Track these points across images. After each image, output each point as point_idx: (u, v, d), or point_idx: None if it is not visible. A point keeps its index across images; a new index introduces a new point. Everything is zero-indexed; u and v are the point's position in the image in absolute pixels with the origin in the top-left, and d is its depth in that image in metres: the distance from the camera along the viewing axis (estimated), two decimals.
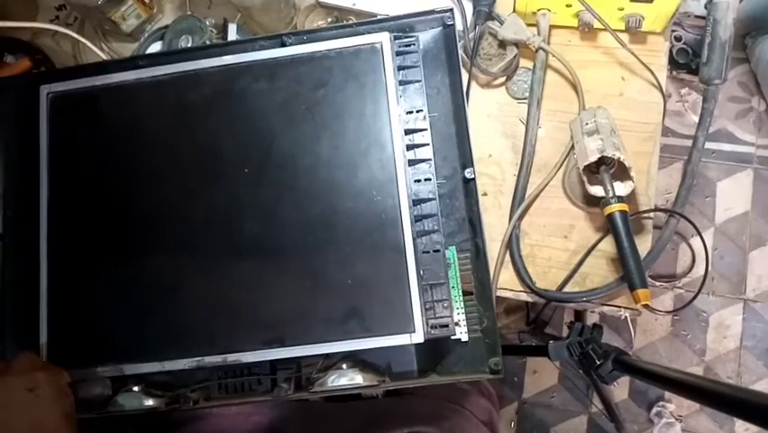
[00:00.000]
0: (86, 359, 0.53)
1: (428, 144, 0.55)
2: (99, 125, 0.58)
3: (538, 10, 0.65)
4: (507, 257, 0.64)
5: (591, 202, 0.62)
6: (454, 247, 0.56)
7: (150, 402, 0.52)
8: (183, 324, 0.53)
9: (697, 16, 1.17)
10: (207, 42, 0.68)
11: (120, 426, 0.62)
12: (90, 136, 0.58)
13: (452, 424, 0.67)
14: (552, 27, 0.66)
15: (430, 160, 0.55)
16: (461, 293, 0.54)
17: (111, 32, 0.74)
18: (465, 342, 0.54)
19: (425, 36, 0.60)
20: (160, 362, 0.52)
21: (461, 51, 0.64)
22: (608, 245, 0.63)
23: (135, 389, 0.53)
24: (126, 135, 0.58)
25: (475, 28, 0.66)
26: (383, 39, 0.55)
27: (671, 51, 1.09)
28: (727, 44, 0.60)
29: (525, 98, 0.67)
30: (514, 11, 0.66)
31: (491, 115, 0.68)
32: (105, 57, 0.71)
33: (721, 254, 1.35)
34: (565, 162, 0.65)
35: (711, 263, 1.34)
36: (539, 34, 0.65)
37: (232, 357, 0.51)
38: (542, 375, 1.35)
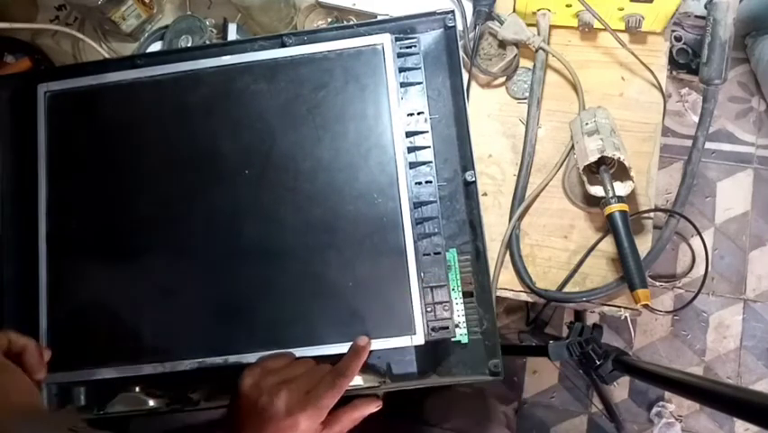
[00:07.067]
0: (87, 360, 0.53)
1: (429, 147, 0.55)
2: (98, 125, 0.58)
3: (538, 10, 0.65)
4: (507, 257, 0.64)
5: (591, 202, 0.62)
6: (455, 249, 0.56)
7: (151, 403, 0.53)
8: (184, 325, 0.53)
9: (697, 16, 1.17)
10: (207, 42, 0.68)
11: (121, 426, 0.62)
12: (89, 136, 0.58)
13: None
14: (552, 27, 0.66)
15: (431, 162, 0.55)
16: (461, 295, 0.54)
17: (111, 32, 0.74)
18: (465, 344, 0.54)
19: (426, 38, 0.59)
20: (161, 363, 0.52)
21: (461, 51, 0.63)
22: (608, 245, 0.63)
23: (136, 390, 0.53)
24: (125, 135, 0.58)
25: (475, 28, 0.66)
26: (384, 40, 0.55)
27: (671, 51, 1.09)
28: (727, 44, 0.60)
29: (525, 98, 0.67)
30: (514, 11, 0.66)
31: (491, 115, 0.68)
32: (104, 56, 0.71)
33: (721, 254, 1.35)
34: (565, 162, 0.65)
35: (711, 263, 1.34)
36: (539, 34, 0.65)
37: (233, 358, 0.51)
38: (542, 375, 1.35)
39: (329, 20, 0.70)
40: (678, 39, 1.24)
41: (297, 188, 0.54)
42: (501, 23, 0.65)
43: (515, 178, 0.65)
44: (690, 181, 0.63)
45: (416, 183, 0.54)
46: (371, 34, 0.56)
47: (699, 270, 1.32)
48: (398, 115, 0.54)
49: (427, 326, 0.51)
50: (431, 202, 0.54)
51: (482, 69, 0.66)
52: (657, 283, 1.34)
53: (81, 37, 0.69)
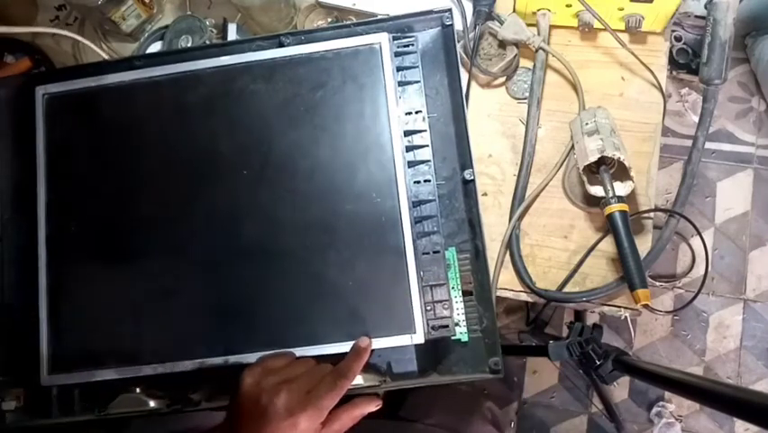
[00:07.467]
0: (88, 362, 0.53)
1: (427, 145, 0.55)
2: (96, 127, 0.58)
3: (538, 10, 0.65)
4: (507, 257, 0.64)
5: (591, 202, 0.62)
6: (454, 248, 0.56)
7: (152, 404, 0.52)
8: (184, 325, 0.53)
9: (697, 16, 1.17)
10: (207, 42, 0.68)
11: (121, 427, 0.62)
12: (87, 138, 0.58)
13: None
14: (552, 27, 0.66)
15: (429, 161, 0.55)
16: (461, 294, 0.54)
17: (111, 32, 0.74)
18: (465, 342, 0.54)
19: (424, 36, 0.59)
20: (161, 363, 0.52)
21: (461, 51, 0.63)
22: (608, 245, 0.63)
23: (137, 391, 0.53)
24: (124, 137, 0.57)
25: (475, 28, 0.66)
26: (382, 39, 0.55)
27: (671, 51, 1.09)
28: (727, 44, 0.60)
29: (525, 98, 0.67)
30: (514, 11, 0.66)
31: (491, 115, 0.68)
32: (104, 57, 0.71)
33: (721, 254, 1.35)
34: (565, 162, 0.65)
35: (711, 263, 1.34)
36: (539, 34, 0.65)
37: (233, 358, 0.51)
38: (542, 375, 1.35)
39: (329, 20, 0.70)
40: (678, 39, 1.24)
41: (295, 188, 0.54)
42: (501, 23, 0.65)
43: (515, 178, 0.65)
44: (690, 181, 0.63)
45: (414, 182, 0.54)
46: (369, 33, 0.56)
47: (699, 270, 1.32)
48: (396, 113, 0.54)
49: (427, 324, 0.51)
50: (430, 201, 0.54)
51: (482, 69, 0.66)
52: (657, 283, 1.34)
53: (80, 39, 0.69)
